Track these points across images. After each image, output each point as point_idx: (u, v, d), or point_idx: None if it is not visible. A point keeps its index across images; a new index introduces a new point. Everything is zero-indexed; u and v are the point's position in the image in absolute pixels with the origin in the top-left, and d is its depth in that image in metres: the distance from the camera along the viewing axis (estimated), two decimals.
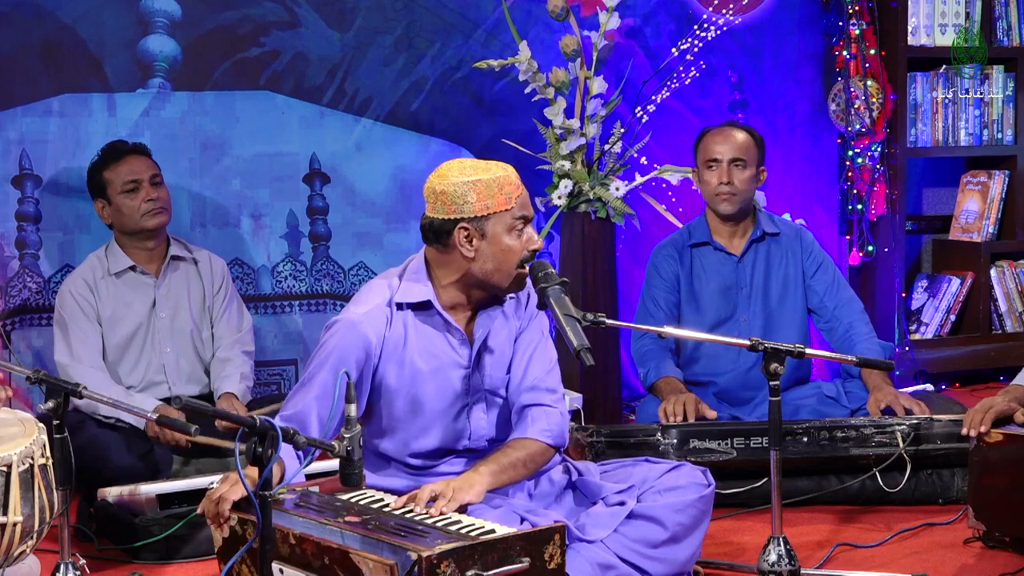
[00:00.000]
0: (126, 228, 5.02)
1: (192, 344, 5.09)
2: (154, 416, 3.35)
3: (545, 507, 3.67)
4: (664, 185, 6.01)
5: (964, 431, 4.15)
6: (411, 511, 3.37)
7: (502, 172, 3.58)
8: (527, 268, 3.62)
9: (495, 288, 3.63)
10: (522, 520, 3.43)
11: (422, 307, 3.65)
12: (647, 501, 3.64)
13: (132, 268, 5.04)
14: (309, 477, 3.80)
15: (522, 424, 3.67)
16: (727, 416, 5.00)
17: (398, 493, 3.57)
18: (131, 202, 4.98)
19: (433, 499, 3.41)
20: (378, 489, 3.66)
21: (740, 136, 5.15)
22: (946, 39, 6.65)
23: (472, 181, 3.53)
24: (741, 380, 5.14)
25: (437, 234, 3.59)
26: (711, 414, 4.84)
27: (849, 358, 3.95)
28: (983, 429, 4.09)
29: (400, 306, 3.65)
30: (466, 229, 3.55)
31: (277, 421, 3.27)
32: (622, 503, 3.61)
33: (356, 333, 3.59)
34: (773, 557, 3.73)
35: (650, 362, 5.13)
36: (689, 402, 4.85)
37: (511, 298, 3.72)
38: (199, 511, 3.43)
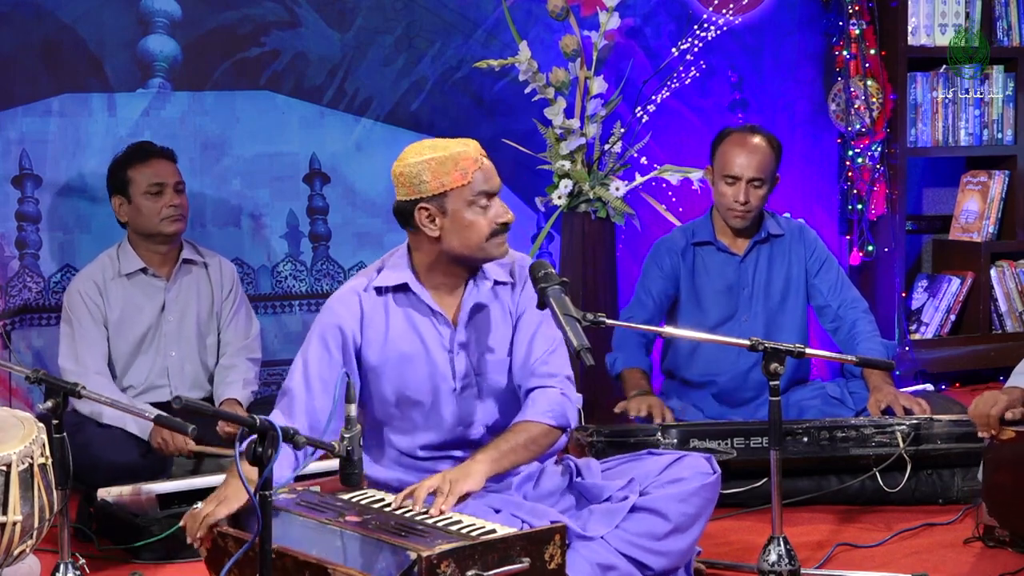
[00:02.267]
0: (142, 230, 4.99)
1: (197, 349, 5.08)
2: (153, 414, 3.35)
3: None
4: (664, 185, 6.00)
5: (980, 433, 4.14)
6: (411, 510, 3.36)
7: (459, 148, 3.58)
8: (503, 235, 3.61)
9: (472, 262, 3.65)
10: (522, 523, 3.42)
11: (402, 290, 3.67)
12: (651, 494, 3.63)
13: (143, 270, 5.02)
14: (306, 477, 3.80)
15: (524, 407, 3.67)
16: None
17: (394, 486, 3.61)
18: (153, 205, 4.95)
19: (432, 494, 3.41)
20: (376, 481, 3.68)
21: (762, 152, 5.05)
22: (946, 39, 6.65)
23: (426, 160, 3.54)
24: (740, 381, 5.14)
25: (403, 216, 3.61)
26: (670, 417, 4.85)
27: (849, 358, 3.96)
28: (994, 432, 4.09)
29: (380, 291, 3.66)
30: (426, 209, 3.56)
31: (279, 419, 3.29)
32: (625, 498, 3.60)
33: (331, 313, 3.65)
34: (773, 557, 3.73)
35: (619, 351, 5.13)
36: (655, 406, 4.88)
37: (505, 284, 3.72)
38: (181, 524, 3.43)
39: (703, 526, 3.73)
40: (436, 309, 3.66)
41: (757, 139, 5.09)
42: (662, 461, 3.75)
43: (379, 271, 3.70)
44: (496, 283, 3.73)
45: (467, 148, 3.59)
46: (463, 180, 3.55)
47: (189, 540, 3.37)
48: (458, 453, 3.70)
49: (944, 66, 6.67)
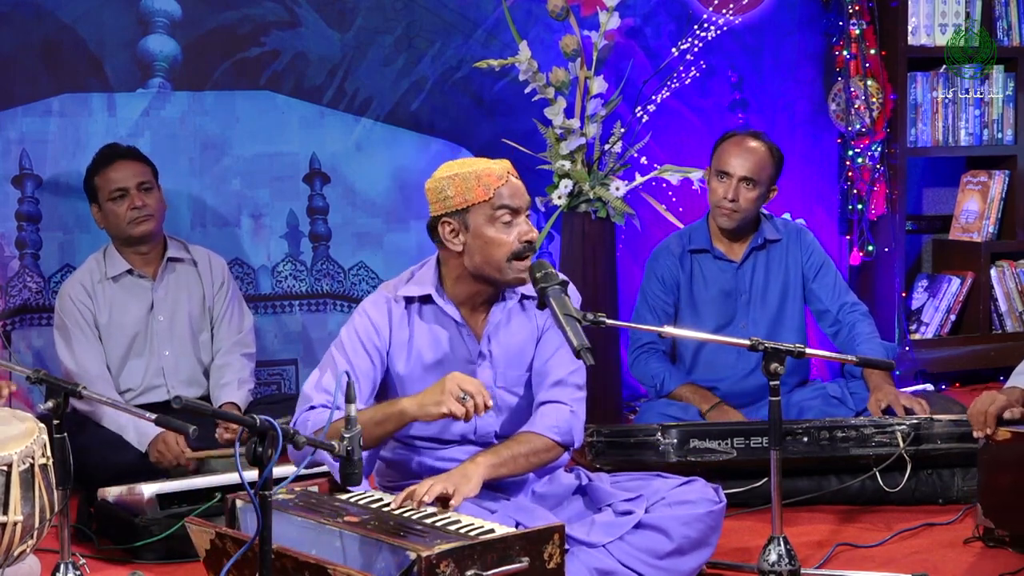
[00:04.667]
0: (115, 234, 5.00)
1: (191, 347, 5.07)
2: (153, 417, 3.35)
3: (550, 507, 3.67)
4: (664, 185, 6.00)
5: (975, 433, 4.14)
6: (410, 510, 3.36)
7: (484, 165, 3.62)
8: (527, 260, 3.61)
9: (494, 282, 3.65)
10: (517, 525, 3.42)
11: (427, 300, 3.70)
12: (656, 512, 3.63)
13: (129, 272, 5.01)
14: (306, 477, 3.80)
15: (532, 418, 3.69)
16: None
17: (410, 470, 3.70)
18: (118, 209, 4.93)
19: (439, 498, 3.41)
20: (392, 464, 3.75)
21: (758, 154, 5.04)
22: (946, 39, 6.64)
23: (451, 176, 3.60)
24: (740, 385, 5.13)
25: (430, 231, 3.67)
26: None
27: (849, 358, 3.95)
28: (989, 431, 4.09)
29: (409, 300, 3.70)
30: (449, 223, 3.61)
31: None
32: (630, 512, 3.60)
33: (363, 318, 3.70)
34: (773, 557, 3.73)
35: (660, 372, 5.11)
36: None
37: (534, 299, 3.71)
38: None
39: (706, 556, 3.72)
40: (460, 322, 3.70)
41: (756, 143, 5.09)
42: (671, 483, 3.76)
43: (408, 280, 3.75)
44: (524, 298, 3.75)
45: (494, 165, 3.63)
46: (485, 195, 3.57)
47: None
48: (474, 448, 3.71)
49: (944, 66, 6.66)
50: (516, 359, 3.74)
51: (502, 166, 3.63)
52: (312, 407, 3.61)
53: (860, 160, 6.49)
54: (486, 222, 3.58)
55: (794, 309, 5.18)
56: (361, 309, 3.73)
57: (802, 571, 3.79)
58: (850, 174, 6.54)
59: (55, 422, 3.48)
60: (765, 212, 5.21)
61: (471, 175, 3.58)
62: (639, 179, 5.71)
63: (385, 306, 3.70)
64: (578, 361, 3.59)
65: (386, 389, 3.75)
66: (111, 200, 4.94)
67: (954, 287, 6.75)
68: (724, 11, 6.28)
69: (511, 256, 3.60)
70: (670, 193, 6.10)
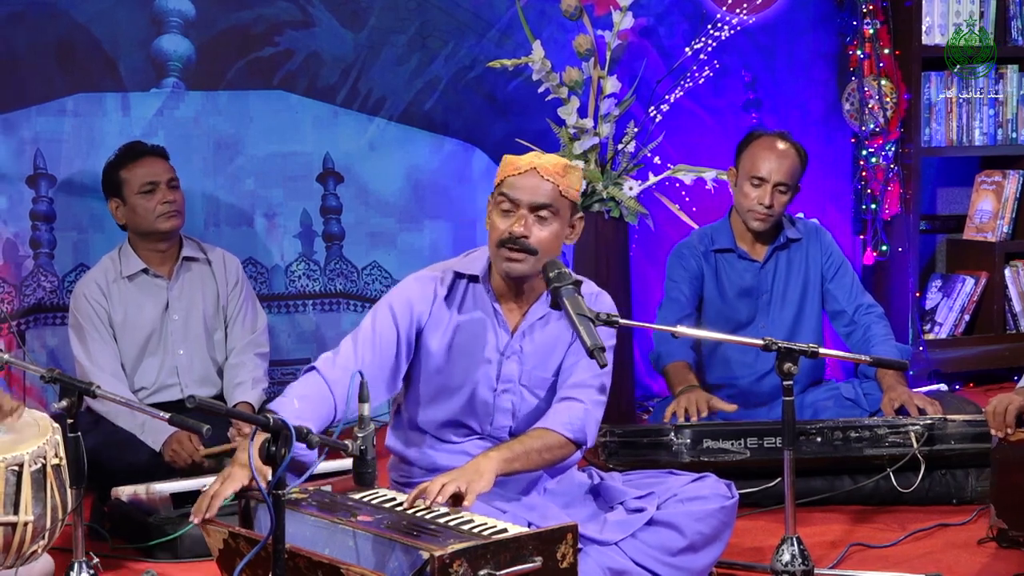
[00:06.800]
0: (140, 229, 5.00)
1: (205, 346, 5.08)
2: (167, 416, 3.36)
3: (562, 506, 3.67)
4: (678, 185, 5.99)
5: (993, 432, 4.13)
6: (423, 510, 3.36)
7: (520, 156, 3.69)
8: (516, 254, 3.62)
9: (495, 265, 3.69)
10: (529, 524, 3.42)
11: (475, 281, 3.74)
12: (668, 509, 3.63)
13: (144, 271, 5.02)
14: (318, 477, 3.80)
15: (546, 415, 3.68)
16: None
17: (422, 465, 3.71)
18: (147, 203, 4.95)
19: (454, 495, 3.40)
20: (405, 459, 3.77)
21: (791, 158, 5.07)
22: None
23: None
24: (757, 384, 5.13)
25: None
26: (728, 407, 4.80)
27: (863, 358, 3.94)
28: (1010, 430, 4.07)
29: (460, 277, 3.74)
30: (491, 199, 3.71)
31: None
32: (642, 509, 3.60)
33: (406, 288, 3.73)
34: (787, 557, 3.72)
35: (662, 346, 5.10)
36: (700, 400, 4.81)
37: None
38: (192, 513, 3.40)
39: (718, 552, 3.71)
40: (499, 311, 3.71)
41: (787, 145, 5.10)
42: (683, 479, 3.76)
43: (467, 257, 3.80)
44: None
45: (524, 158, 3.68)
46: (499, 179, 3.65)
47: (194, 519, 3.37)
48: (486, 444, 3.71)
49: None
50: (544, 361, 3.75)
51: (529, 160, 3.65)
52: (311, 368, 3.64)
53: (874, 160, 6.48)
54: (492, 203, 3.68)
55: (812, 310, 5.19)
56: (406, 282, 3.76)
57: (816, 571, 3.78)
58: (864, 174, 6.54)
59: (69, 421, 3.48)
60: (785, 213, 5.22)
61: (508, 160, 3.68)
62: (652, 179, 5.70)
63: (431, 282, 3.73)
64: (604, 370, 3.59)
65: (413, 366, 3.74)
66: (141, 194, 4.95)
67: (968, 287, 6.74)
68: (738, 10, 6.27)
69: (498, 243, 3.63)
70: (683, 193, 6.09)
